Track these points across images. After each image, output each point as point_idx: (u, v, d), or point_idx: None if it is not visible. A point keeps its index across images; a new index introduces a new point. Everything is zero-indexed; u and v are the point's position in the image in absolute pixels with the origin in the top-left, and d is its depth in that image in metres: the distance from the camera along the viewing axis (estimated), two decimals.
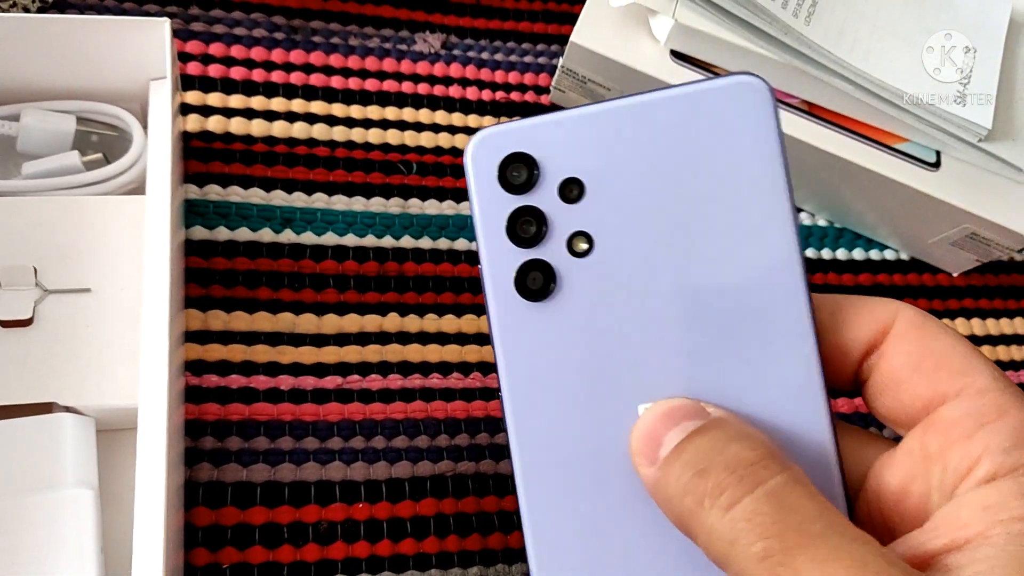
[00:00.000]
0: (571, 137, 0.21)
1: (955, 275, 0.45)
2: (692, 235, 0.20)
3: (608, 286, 0.21)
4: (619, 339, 0.20)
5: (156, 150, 0.32)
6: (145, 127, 0.34)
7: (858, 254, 0.45)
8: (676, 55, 0.39)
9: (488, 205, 0.21)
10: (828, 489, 0.19)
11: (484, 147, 0.21)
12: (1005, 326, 0.45)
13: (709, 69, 0.39)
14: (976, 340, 0.44)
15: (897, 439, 0.20)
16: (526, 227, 0.21)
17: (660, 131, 0.21)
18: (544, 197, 0.21)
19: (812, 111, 0.39)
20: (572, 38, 0.38)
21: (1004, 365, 0.44)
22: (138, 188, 0.35)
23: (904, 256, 0.45)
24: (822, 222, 0.45)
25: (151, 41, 0.33)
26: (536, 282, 0.21)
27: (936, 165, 0.39)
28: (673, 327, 0.20)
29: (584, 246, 0.21)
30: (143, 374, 0.29)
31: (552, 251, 0.21)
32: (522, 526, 0.20)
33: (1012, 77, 0.38)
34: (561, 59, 0.40)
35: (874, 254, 0.45)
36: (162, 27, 0.33)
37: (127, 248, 0.33)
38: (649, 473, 0.19)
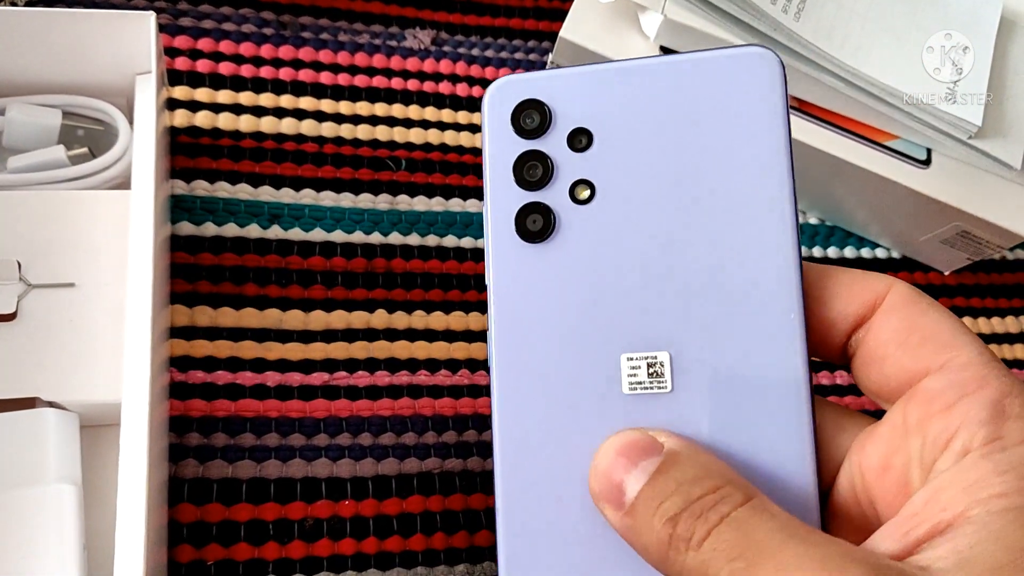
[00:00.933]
0: (585, 90, 0.22)
1: (946, 273, 0.45)
2: (691, 195, 0.21)
3: (604, 235, 0.21)
4: (609, 288, 0.21)
5: (141, 145, 0.32)
6: (132, 122, 0.34)
7: (849, 252, 0.44)
8: (665, 51, 0.39)
9: (498, 146, 0.22)
10: (799, 469, 0.20)
11: (502, 92, 0.22)
12: (997, 325, 0.45)
13: None
14: None
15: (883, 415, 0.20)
16: (532, 170, 0.21)
17: (670, 92, 0.21)
18: (553, 144, 0.22)
19: (802, 108, 0.39)
20: (561, 33, 0.38)
21: None
22: (124, 183, 0.34)
23: (895, 254, 0.45)
24: (813, 220, 0.45)
25: (137, 35, 0.33)
26: (536, 224, 0.21)
27: (927, 163, 0.39)
28: (662, 282, 0.21)
29: (586, 194, 0.21)
30: (126, 370, 0.29)
31: (554, 196, 0.21)
32: (495, 471, 0.21)
33: (1002, 74, 0.38)
34: (550, 55, 0.40)
35: (865, 252, 0.45)
36: (147, 21, 0.33)
37: (112, 243, 0.33)
38: (617, 519, 0.19)
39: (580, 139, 0.21)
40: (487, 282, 0.21)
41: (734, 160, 0.21)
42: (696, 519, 0.18)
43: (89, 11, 0.32)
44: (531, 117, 0.22)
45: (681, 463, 0.19)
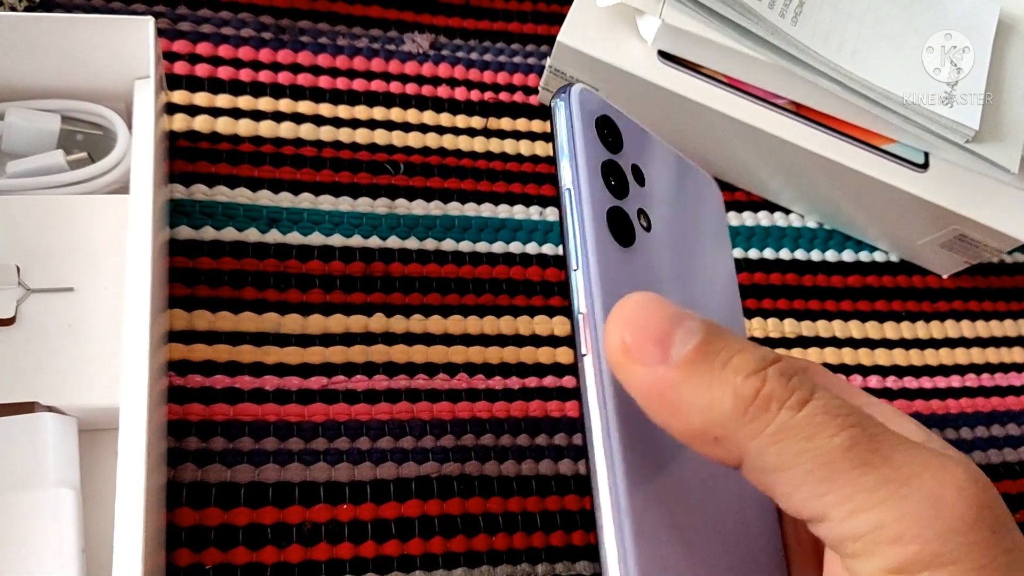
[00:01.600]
0: (636, 138, 0.23)
1: (945, 277, 0.45)
2: (692, 253, 0.24)
3: (652, 264, 0.22)
4: None
5: (139, 150, 0.32)
6: (130, 126, 0.34)
7: (848, 256, 0.44)
8: (664, 55, 0.39)
9: (586, 146, 0.21)
10: None
11: (585, 98, 0.22)
12: (995, 328, 0.45)
13: (697, 70, 0.39)
14: (967, 343, 0.44)
15: None
16: (617, 179, 0.22)
17: (680, 176, 0.25)
18: (624, 166, 0.22)
19: (800, 111, 0.39)
20: (559, 38, 0.38)
21: (994, 367, 0.44)
22: (123, 187, 0.35)
23: (894, 258, 0.45)
24: (812, 223, 0.45)
25: (136, 40, 0.33)
26: (623, 228, 0.21)
27: (924, 166, 0.39)
28: None
29: (645, 223, 0.22)
30: (124, 374, 0.29)
31: (630, 211, 0.22)
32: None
33: (1000, 78, 0.38)
34: (549, 59, 0.40)
35: (864, 256, 0.45)
36: (146, 26, 0.33)
37: (111, 247, 0.33)
38: (654, 374, 0.17)
39: (640, 174, 0.22)
40: (578, 272, 0.20)
41: (708, 240, 0.25)
42: (788, 379, 0.16)
43: (88, 16, 0.32)
44: (612, 134, 0.22)
45: (727, 332, 0.17)
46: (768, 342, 0.41)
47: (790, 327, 0.42)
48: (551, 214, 0.42)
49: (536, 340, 0.39)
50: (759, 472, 0.17)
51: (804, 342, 0.42)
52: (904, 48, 0.37)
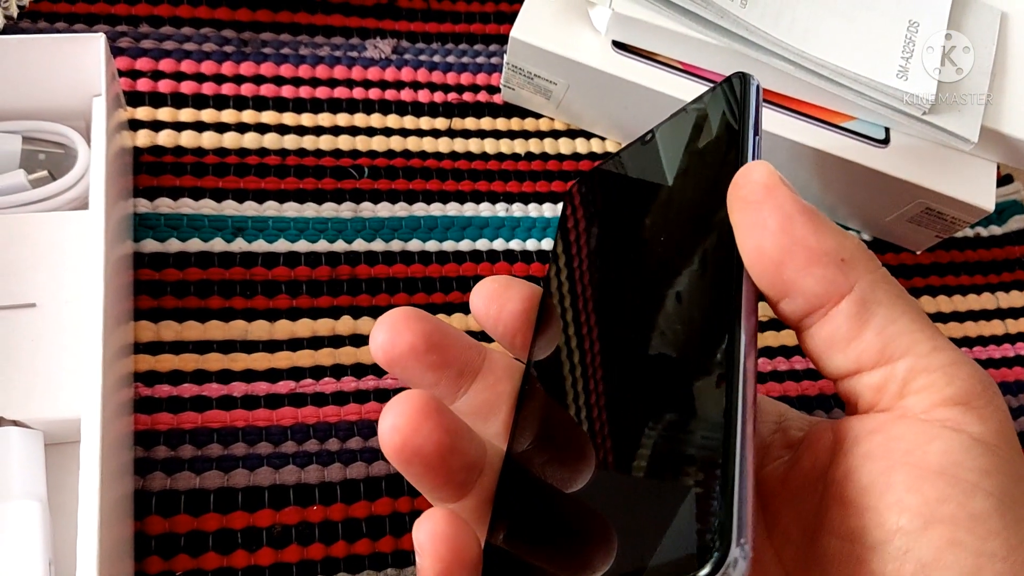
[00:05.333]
0: None
1: (918, 253, 0.44)
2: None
3: None
4: None
5: (95, 166, 0.33)
6: (91, 144, 0.35)
7: None
8: (617, 45, 0.39)
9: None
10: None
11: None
12: (973, 302, 0.44)
13: (651, 57, 0.39)
14: (944, 317, 0.44)
15: None
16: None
17: None
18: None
19: None
20: (512, 33, 0.39)
21: (973, 341, 0.43)
22: (84, 204, 0.35)
23: (867, 236, 0.45)
24: None
25: (89, 57, 0.34)
26: None
27: (885, 141, 0.39)
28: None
29: None
30: (84, 387, 0.29)
31: None
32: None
33: (956, 48, 0.38)
34: (505, 55, 0.40)
35: None
36: (97, 43, 0.33)
37: (72, 263, 0.33)
38: (803, 202, 0.21)
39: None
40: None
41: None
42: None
43: (38, 37, 0.33)
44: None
45: None
46: None
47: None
48: (518, 210, 0.42)
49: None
50: (862, 306, 0.20)
51: (777, 324, 0.41)
52: (855, 24, 0.37)
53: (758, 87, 0.23)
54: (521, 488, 0.23)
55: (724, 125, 0.23)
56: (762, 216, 0.20)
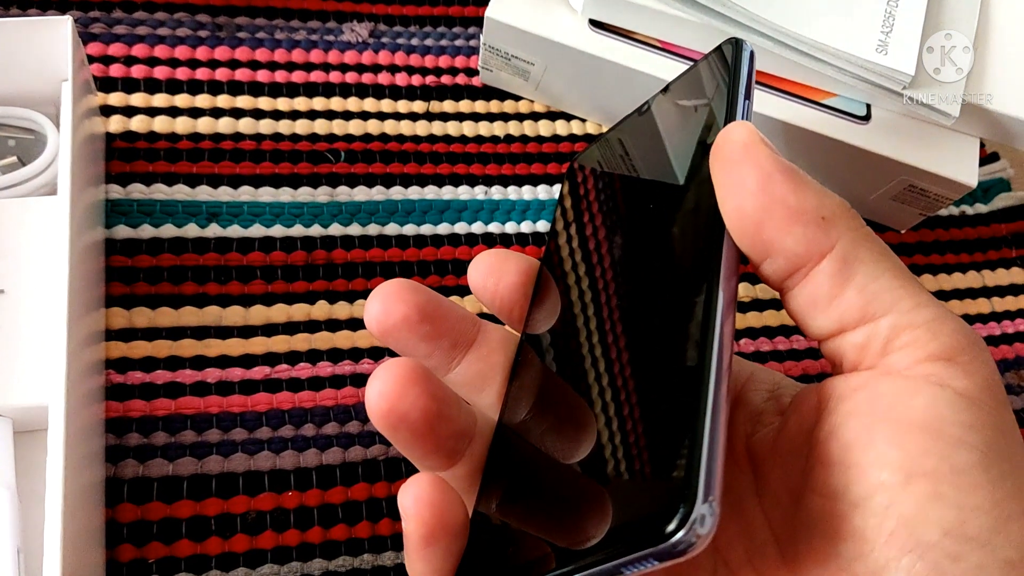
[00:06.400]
0: None
1: (903, 232, 0.44)
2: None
3: None
4: None
5: (63, 152, 0.32)
6: (60, 129, 0.34)
7: None
8: (594, 23, 0.38)
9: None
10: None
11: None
12: (958, 280, 0.44)
13: (628, 36, 0.38)
14: None
15: None
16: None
17: None
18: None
19: None
20: (487, 13, 0.38)
21: None
22: (53, 189, 0.35)
23: None
24: None
25: (57, 42, 0.33)
26: None
27: (866, 118, 0.38)
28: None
29: None
30: (51, 374, 0.29)
31: None
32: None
33: (937, 23, 0.38)
34: (482, 36, 0.40)
35: None
36: (64, 26, 0.33)
37: (41, 249, 0.33)
38: (786, 160, 0.20)
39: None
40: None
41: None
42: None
43: (4, 20, 0.33)
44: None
45: None
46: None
47: (744, 290, 0.41)
48: (496, 193, 0.41)
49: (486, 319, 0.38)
50: (844, 264, 0.20)
51: (759, 305, 0.41)
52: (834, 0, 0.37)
53: (752, 53, 0.23)
54: (512, 457, 0.23)
55: (716, 91, 0.23)
56: (741, 175, 0.20)
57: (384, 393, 0.22)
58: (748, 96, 0.22)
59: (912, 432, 0.18)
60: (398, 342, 0.25)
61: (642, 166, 0.25)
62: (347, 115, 0.41)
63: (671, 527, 0.16)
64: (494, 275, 0.26)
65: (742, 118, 0.22)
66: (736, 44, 0.23)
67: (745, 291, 0.41)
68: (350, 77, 0.42)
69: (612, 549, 0.17)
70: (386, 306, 0.24)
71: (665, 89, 0.26)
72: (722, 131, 0.21)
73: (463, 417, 0.24)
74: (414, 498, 0.21)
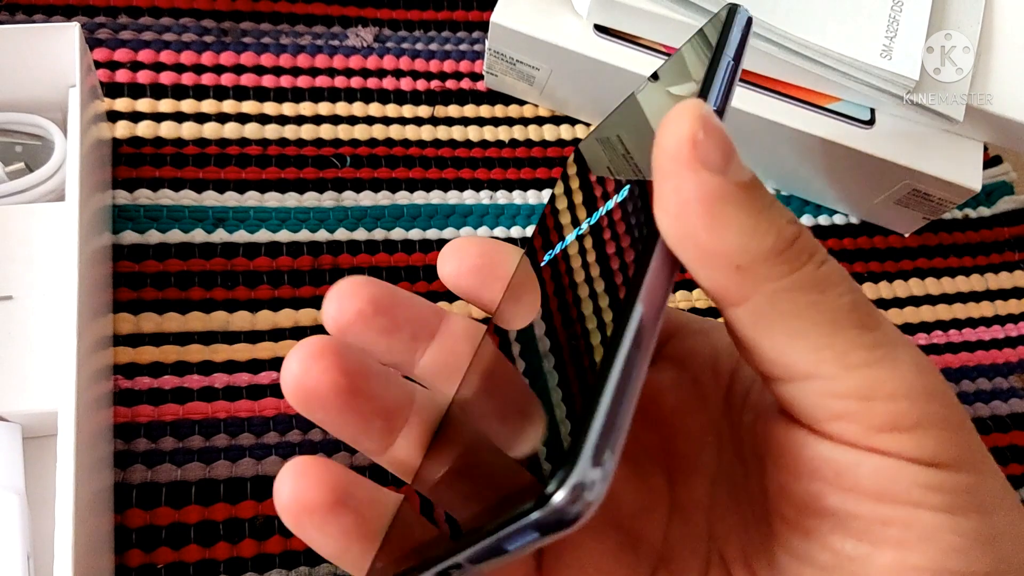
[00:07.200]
0: None
1: (906, 235, 0.44)
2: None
3: None
4: None
5: (70, 157, 0.32)
6: (67, 135, 0.34)
7: (807, 220, 0.44)
8: (599, 29, 0.38)
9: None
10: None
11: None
12: (961, 284, 0.44)
13: (633, 41, 0.38)
14: (932, 300, 0.43)
15: None
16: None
17: None
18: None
19: (742, 77, 0.38)
20: (493, 18, 0.38)
21: (962, 323, 0.43)
22: (61, 195, 0.35)
23: (854, 220, 0.44)
24: (770, 189, 0.44)
25: (64, 48, 0.33)
26: None
27: (871, 122, 0.38)
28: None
29: None
30: (60, 380, 0.29)
31: None
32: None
33: (941, 27, 0.38)
34: (487, 41, 0.40)
35: (823, 220, 0.44)
36: (71, 32, 0.33)
37: (49, 255, 0.33)
38: (715, 181, 0.16)
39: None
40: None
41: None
42: (814, 238, 0.17)
43: (11, 27, 0.33)
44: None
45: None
46: None
47: None
48: (502, 197, 0.41)
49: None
50: (760, 318, 0.17)
51: None
52: (840, 2, 0.37)
53: (749, 19, 0.20)
54: (450, 439, 0.23)
55: (702, 62, 0.22)
56: (663, 191, 0.17)
57: (290, 369, 0.21)
58: (738, 59, 0.20)
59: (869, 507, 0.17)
60: (357, 339, 0.23)
61: (629, 152, 0.24)
62: (352, 120, 0.42)
63: (550, 488, 0.15)
64: (455, 259, 0.26)
65: (723, 81, 0.19)
66: (731, 9, 0.21)
67: None
68: (355, 82, 0.43)
69: (494, 523, 0.16)
70: (340, 303, 0.23)
71: (653, 74, 0.24)
72: (663, 123, 0.18)
73: (391, 393, 0.22)
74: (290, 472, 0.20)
